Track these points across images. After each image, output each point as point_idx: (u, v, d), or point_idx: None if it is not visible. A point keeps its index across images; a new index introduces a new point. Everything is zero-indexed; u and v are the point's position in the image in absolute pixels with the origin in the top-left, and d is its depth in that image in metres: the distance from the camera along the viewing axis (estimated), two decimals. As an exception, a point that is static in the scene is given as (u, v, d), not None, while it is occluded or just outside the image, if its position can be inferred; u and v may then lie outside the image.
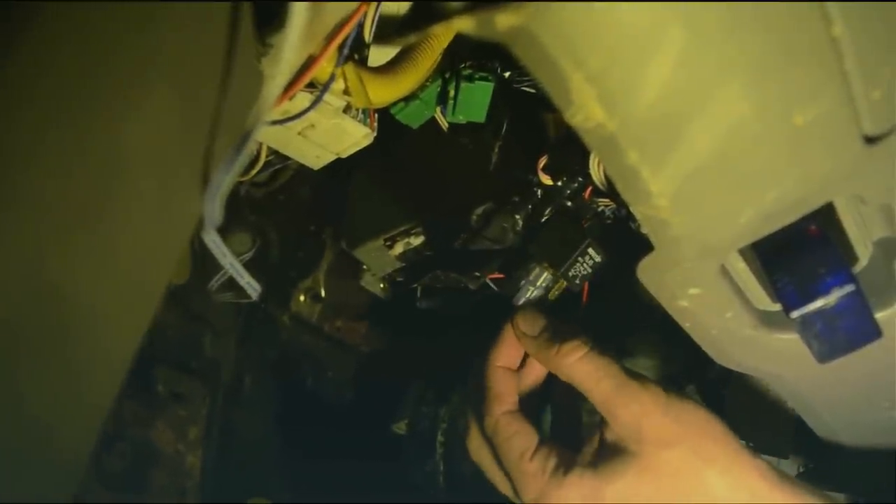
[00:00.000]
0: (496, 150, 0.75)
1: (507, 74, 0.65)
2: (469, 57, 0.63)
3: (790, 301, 0.43)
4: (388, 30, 0.50)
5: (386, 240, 0.82)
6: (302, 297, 0.96)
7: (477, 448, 0.66)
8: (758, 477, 0.55)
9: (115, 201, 0.33)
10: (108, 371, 0.37)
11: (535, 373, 0.67)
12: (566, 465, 0.58)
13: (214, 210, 0.36)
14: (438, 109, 0.65)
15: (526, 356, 0.66)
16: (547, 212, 0.71)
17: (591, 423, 0.64)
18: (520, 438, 0.61)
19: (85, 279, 0.33)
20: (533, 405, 0.66)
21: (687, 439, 0.55)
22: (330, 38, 0.45)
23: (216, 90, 0.35)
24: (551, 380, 0.66)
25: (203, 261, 0.71)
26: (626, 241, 0.67)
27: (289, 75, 0.42)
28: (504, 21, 0.29)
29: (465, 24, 0.31)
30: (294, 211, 0.92)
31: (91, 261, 0.33)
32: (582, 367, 0.59)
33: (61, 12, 0.29)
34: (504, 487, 0.64)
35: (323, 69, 0.47)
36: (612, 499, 0.55)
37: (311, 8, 0.34)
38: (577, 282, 0.68)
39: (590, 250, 0.67)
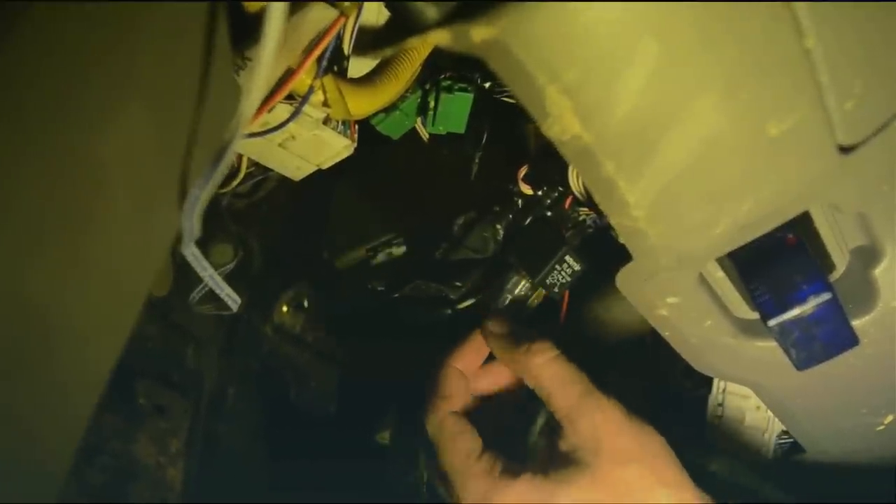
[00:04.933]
0: (477, 160, 0.75)
1: (487, 85, 0.65)
2: (449, 68, 0.64)
3: (767, 309, 0.44)
4: (367, 42, 0.50)
5: (368, 250, 0.83)
6: (285, 308, 0.96)
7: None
8: None
9: (93, 215, 0.33)
10: (88, 383, 0.37)
11: (486, 382, 0.67)
12: (515, 469, 0.57)
13: (192, 224, 0.37)
14: (419, 120, 0.65)
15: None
16: (527, 222, 0.72)
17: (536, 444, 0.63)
18: (466, 438, 0.60)
19: (64, 291, 0.33)
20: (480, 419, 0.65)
21: (643, 458, 0.55)
22: (308, 51, 0.45)
23: (193, 104, 0.35)
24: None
25: (184, 273, 0.71)
26: (609, 249, 0.67)
27: (266, 89, 0.42)
28: (479, 34, 0.30)
29: (440, 38, 0.31)
30: (276, 222, 0.92)
31: (70, 273, 0.33)
32: (549, 369, 0.59)
33: (37, 26, 0.29)
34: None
35: (302, 81, 0.47)
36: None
37: (287, 22, 0.34)
38: (556, 290, 0.68)
39: (567, 258, 0.67)
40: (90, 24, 0.31)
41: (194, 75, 0.35)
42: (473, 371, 0.66)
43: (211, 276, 0.45)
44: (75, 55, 0.31)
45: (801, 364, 0.45)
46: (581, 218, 0.70)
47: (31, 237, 0.31)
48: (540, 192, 0.70)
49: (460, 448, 0.60)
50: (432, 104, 0.63)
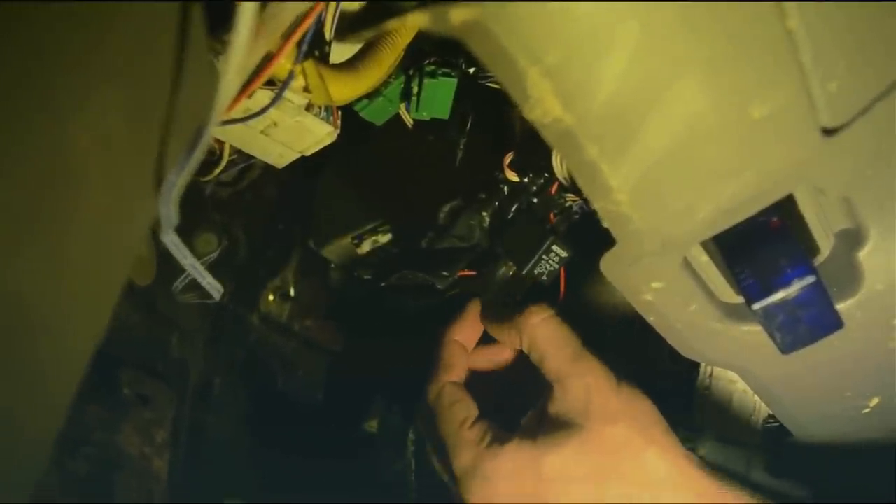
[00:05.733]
0: (461, 146, 0.75)
1: (471, 70, 0.65)
2: (433, 53, 0.63)
3: (752, 293, 0.43)
4: (348, 26, 0.50)
5: (353, 238, 0.82)
6: (271, 297, 0.95)
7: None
8: (692, 465, 0.57)
9: (70, 202, 0.33)
10: (67, 371, 0.37)
11: (483, 360, 0.68)
12: (504, 437, 0.58)
13: (170, 210, 0.36)
14: (403, 106, 0.65)
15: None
16: (513, 208, 0.71)
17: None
18: (462, 407, 0.62)
19: (42, 279, 0.33)
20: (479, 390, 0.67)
21: (632, 419, 0.57)
22: (288, 36, 0.44)
23: (168, 90, 0.34)
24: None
25: (169, 261, 0.70)
26: (596, 235, 0.67)
27: (243, 74, 0.41)
28: (458, 16, 0.29)
29: (419, 20, 0.30)
30: (261, 210, 0.92)
31: (44, 262, 0.33)
32: (545, 329, 0.60)
33: (7, 12, 0.29)
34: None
35: (282, 66, 0.47)
36: (549, 470, 0.56)
37: (266, 6, 0.34)
38: (545, 278, 0.68)
39: (554, 248, 0.68)
40: (62, 8, 0.30)
41: (169, 60, 0.34)
42: (472, 343, 0.68)
43: (192, 265, 0.45)
44: (49, 42, 0.30)
45: (786, 348, 0.45)
46: (567, 204, 0.69)
47: (9, 225, 0.30)
48: (526, 179, 0.69)
49: (455, 416, 0.62)
50: (416, 89, 0.63)
